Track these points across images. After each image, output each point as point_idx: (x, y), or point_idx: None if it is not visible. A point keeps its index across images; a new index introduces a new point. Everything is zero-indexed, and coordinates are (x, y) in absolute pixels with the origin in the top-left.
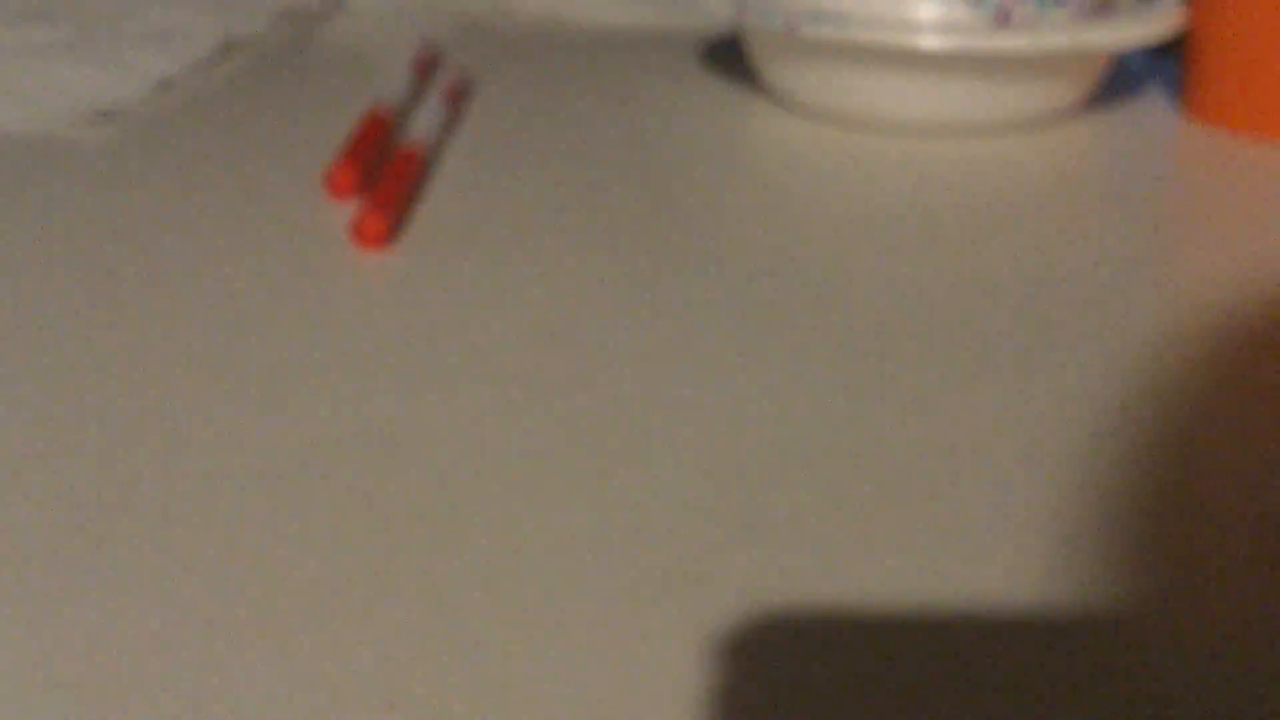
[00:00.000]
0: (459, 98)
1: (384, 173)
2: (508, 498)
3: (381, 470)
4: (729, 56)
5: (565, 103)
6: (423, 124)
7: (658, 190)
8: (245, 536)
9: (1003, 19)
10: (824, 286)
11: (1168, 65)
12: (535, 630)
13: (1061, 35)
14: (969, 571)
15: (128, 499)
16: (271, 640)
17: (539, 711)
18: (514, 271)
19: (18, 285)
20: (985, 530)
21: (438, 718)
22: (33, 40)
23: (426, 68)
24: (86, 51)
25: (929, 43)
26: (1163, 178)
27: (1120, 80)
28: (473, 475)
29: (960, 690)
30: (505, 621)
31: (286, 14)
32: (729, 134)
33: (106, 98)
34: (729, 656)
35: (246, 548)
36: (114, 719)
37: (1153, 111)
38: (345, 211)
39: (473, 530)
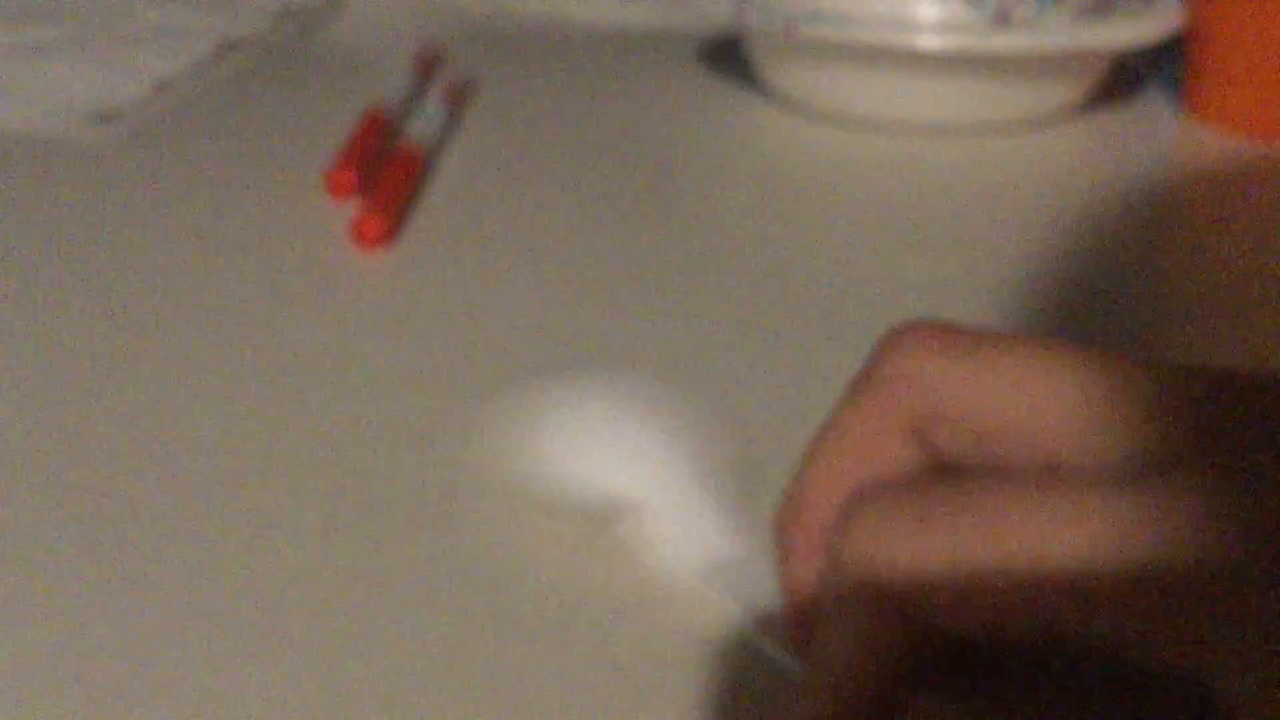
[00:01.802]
0: (459, 98)
1: (384, 173)
2: (507, 496)
3: (381, 468)
4: (729, 56)
5: (565, 103)
6: (423, 124)
7: (657, 190)
8: (243, 534)
9: (1003, 19)
10: (823, 285)
11: (1168, 65)
12: (535, 629)
13: (1061, 35)
14: None
15: (127, 496)
16: (269, 639)
17: (538, 711)
18: (513, 271)
19: (18, 285)
20: None
21: (436, 717)
22: (33, 40)
23: (426, 68)
24: (86, 51)
25: (929, 43)
26: (1163, 178)
27: (1120, 80)
28: (472, 473)
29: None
30: (505, 620)
31: (286, 14)
32: (729, 134)
33: (106, 98)
34: (727, 656)
35: (244, 545)
36: (114, 719)
37: (1153, 111)
38: (345, 211)
39: (472, 529)
